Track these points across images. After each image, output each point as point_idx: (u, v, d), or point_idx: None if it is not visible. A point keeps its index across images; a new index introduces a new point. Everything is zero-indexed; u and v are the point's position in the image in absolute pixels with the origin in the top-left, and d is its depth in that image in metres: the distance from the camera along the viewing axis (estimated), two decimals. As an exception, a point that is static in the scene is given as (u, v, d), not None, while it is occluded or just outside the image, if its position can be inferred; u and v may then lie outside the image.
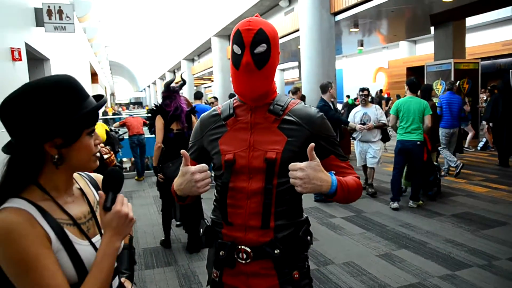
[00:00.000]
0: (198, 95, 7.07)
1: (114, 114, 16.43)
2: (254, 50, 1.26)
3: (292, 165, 1.20)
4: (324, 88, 5.82)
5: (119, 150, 6.91)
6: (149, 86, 51.00)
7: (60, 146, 0.96)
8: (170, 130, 3.88)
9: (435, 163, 5.77)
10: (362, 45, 14.02)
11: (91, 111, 0.98)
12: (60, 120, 0.93)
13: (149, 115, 4.11)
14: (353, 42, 13.92)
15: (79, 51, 11.65)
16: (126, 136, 7.82)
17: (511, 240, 3.96)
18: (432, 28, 10.66)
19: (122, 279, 1.20)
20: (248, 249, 1.31)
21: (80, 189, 1.12)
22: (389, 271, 3.44)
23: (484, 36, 15.73)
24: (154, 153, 3.94)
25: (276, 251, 1.30)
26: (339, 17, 9.42)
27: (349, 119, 6.05)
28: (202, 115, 1.51)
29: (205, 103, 8.78)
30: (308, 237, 1.39)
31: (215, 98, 8.55)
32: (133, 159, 9.18)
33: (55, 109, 0.93)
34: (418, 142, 5.01)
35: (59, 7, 5.96)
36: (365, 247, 4.00)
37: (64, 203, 1.02)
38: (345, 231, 4.48)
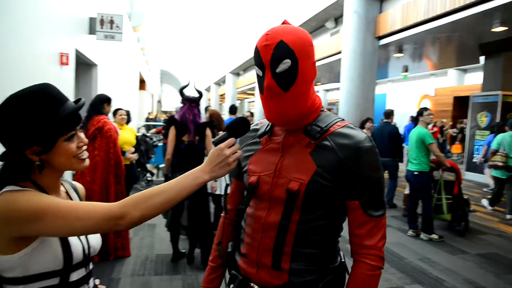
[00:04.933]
0: (232, 109, 7.14)
1: (148, 119, 16.89)
2: (276, 70, 1.07)
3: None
4: (388, 115, 6.27)
5: (152, 156, 7.21)
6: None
7: (40, 153, 1.02)
8: (182, 141, 3.92)
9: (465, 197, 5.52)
10: (407, 71, 13.74)
11: (64, 117, 1.02)
12: (34, 129, 0.99)
13: (165, 125, 4.21)
14: (398, 68, 13.69)
15: (128, 59, 12.23)
16: (160, 143, 8.12)
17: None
18: (482, 58, 10.29)
19: (97, 281, 1.25)
20: None
21: (66, 192, 1.20)
22: (398, 305, 3.32)
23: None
24: (165, 164, 4.05)
25: None
26: (383, 41, 9.34)
27: None
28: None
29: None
30: None
31: (251, 113, 8.70)
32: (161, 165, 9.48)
33: (28, 118, 0.99)
34: (416, 172, 4.97)
35: (111, 17, 6.37)
36: (378, 277, 3.88)
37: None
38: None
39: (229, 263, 1.31)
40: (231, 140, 1.10)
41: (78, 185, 1.29)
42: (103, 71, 7.50)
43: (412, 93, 20.85)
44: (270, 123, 1.24)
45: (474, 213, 6.16)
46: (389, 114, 7.07)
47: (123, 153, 4.70)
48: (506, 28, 7.57)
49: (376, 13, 9.37)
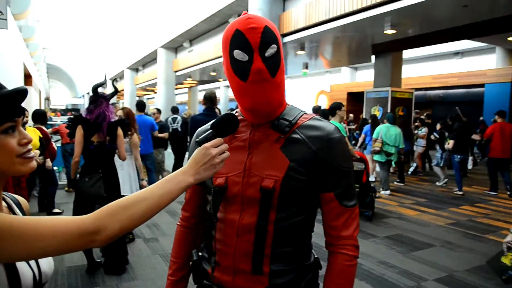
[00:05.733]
0: (141, 106, 6.69)
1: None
2: (265, 54, 1.01)
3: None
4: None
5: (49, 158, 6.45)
6: (88, 93, 48.86)
7: None
8: (91, 142, 3.59)
9: (372, 185, 6.00)
10: (307, 68, 14.47)
11: None
12: None
13: (69, 124, 3.73)
14: (299, 64, 14.34)
15: (10, 50, 10.84)
16: (58, 144, 7.34)
17: (437, 262, 4.16)
18: (373, 57, 11.28)
19: None
20: None
21: (8, 207, 0.97)
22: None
23: (417, 69, 16.97)
24: (72, 167, 3.69)
25: None
26: (286, 39, 9.66)
27: None
28: (200, 128, 1.24)
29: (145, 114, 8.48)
30: None
31: (158, 110, 8.30)
32: (64, 168, 8.63)
33: None
34: None
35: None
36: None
37: None
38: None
39: (197, 273, 1.20)
40: (217, 140, 0.99)
41: (21, 199, 1.05)
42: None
43: (310, 89, 22.09)
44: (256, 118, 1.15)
45: (377, 199, 6.73)
46: (317, 110, 7.37)
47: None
48: (395, 31, 8.40)
49: (279, 11, 9.67)
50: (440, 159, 8.46)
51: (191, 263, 1.24)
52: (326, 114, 5.94)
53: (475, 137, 8.45)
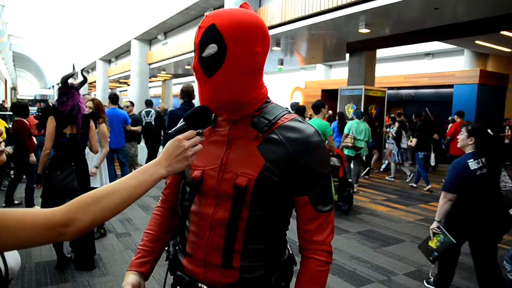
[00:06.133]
0: (114, 99, 6.50)
1: (2, 109, 14.87)
2: (202, 53, 1.01)
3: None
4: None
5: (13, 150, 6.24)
6: (58, 84, 47.33)
7: None
8: (63, 134, 3.48)
9: (350, 180, 6.21)
10: (282, 64, 14.53)
11: None
12: None
13: (39, 114, 3.58)
14: (274, 60, 14.37)
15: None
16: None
17: (406, 257, 4.28)
18: (347, 55, 11.44)
19: None
20: None
21: None
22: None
23: (390, 68, 17.34)
24: (41, 160, 3.53)
25: None
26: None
27: None
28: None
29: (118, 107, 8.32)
30: (283, 283, 1.16)
31: (131, 102, 8.13)
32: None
33: None
34: None
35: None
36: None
37: None
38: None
39: (173, 264, 1.21)
40: (190, 132, 0.99)
41: None
42: None
43: (285, 85, 22.19)
44: (214, 114, 1.14)
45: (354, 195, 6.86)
46: (295, 107, 7.42)
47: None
48: (369, 30, 8.54)
49: (255, 6, 9.65)
50: (397, 156, 8.87)
51: (167, 254, 1.24)
52: (301, 110, 6.04)
53: (435, 136, 8.86)
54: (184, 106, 4.42)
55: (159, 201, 1.33)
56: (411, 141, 7.99)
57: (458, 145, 3.20)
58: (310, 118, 8.00)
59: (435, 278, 3.43)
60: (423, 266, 4.02)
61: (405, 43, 11.66)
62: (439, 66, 16.06)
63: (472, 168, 2.96)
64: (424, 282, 3.60)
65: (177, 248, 1.23)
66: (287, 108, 1.19)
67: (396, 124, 9.36)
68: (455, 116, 8.76)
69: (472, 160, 2.99)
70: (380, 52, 13.26)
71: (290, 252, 1.22)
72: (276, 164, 1.04)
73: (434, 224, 3.21)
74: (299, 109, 6.47)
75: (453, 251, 3.16)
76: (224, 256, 1.07)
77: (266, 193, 1.06)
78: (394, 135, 8.99)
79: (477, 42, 11.62)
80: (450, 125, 9.86)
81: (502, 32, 9.60)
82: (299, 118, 1.12)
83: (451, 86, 13.61)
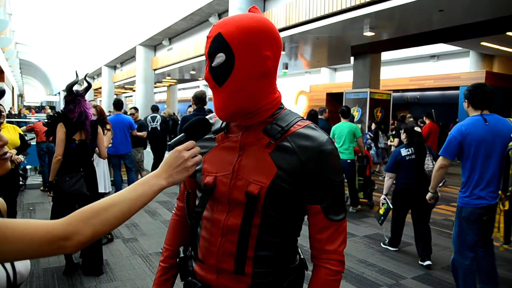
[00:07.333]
0: (118, 105, 6.57)
1: (10, 115, 14.99)
2: (212, 63, 1.02)
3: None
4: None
5: (25, 157, 6.28)
6: (64, 90, 47.66)
7: None
8: (72, 140, 3.52)
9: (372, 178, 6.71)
10: (287, 68, 14.54)
11: None
12: None
13: (49, 121, 3.61)
14: (279, 65, 14.40)
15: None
16: (33, 142, 7.14)
17: (415, 260, 4.25)
18: (352, 58, 11.42)
19: None
20: None
21: None
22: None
23: (395, 71, 17.29)
24: (53, 166, 3.52)
25: None
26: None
27: None
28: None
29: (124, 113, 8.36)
30: None
31: (135, 108, 8.16)
32: (39, 167, 8.41)
33: None
34: (349, 160, 5.99)
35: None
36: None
37: None
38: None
39: (182, 269, 1.20)
40: (190, 143, 1.00)
41: (1, 202, 1.00)
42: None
43: (289, 89, 22.20)
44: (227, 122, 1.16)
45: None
46: (314, 115, 7.00)
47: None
48: (374, 33, 8.53)
49: (260, 11, 9.66)
50: (375, 157, 9.13)
51: (178, 259, 1.23)
52: (312, 115, 6.38)
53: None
54: (197, 112, 4.43)
55: (175, 208, 1.33)
56: (391, 141, 8.12)
57: (402, 139, 4.42)
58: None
59: (389, 240, 4.64)
60: (431, 270, 3.98)
61: (410, 45, 11.60)
62: (445, 68, 15.99)
63: (403, 154, 4.24)
64: (381, 243, 4.72)
65: (187, 252, 1.23)
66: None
67: (373, 125, 9.51)
68: (424, 118, 9.17)
69: (404, 149, 4.28)
70: (385, 55, 13.25)
71: (302, 256, 1.22)
72: (288, 173, 1.03)
73: (382, 196, 4.44)
74: (310, 114, 6.59)
75: (399, 219, 4.45)
76: (236, 263, 1.06)
77: (277, 201, 1.05)
78: (372, 135, 9.12)
79: (483, 43, 11.55)
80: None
81: (508, 33, 9.55)
82: (313, 125, 1.10)
83: (457, 88, 13.52)
